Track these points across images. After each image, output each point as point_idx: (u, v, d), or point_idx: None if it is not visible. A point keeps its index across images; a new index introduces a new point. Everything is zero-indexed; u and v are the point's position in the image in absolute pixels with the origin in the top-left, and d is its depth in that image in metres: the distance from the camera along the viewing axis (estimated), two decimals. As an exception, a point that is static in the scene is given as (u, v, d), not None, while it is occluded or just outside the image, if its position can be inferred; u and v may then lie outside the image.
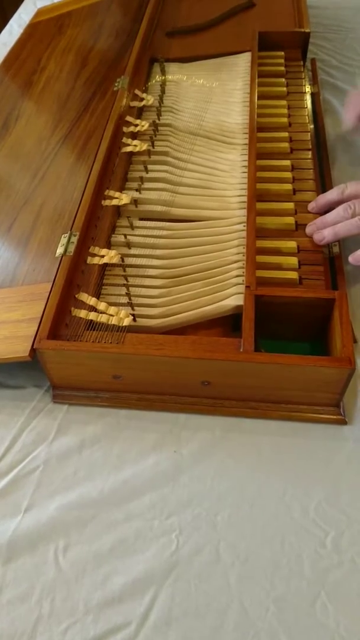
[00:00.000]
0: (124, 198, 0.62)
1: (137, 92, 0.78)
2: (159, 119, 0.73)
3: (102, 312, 0.52)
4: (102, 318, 0.51)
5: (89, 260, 0.57)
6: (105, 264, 0.57)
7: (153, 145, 0.69)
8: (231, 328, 0.54)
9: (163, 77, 0.81)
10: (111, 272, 0.57)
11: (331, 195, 0.59)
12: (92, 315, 0.52)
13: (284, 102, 0.75)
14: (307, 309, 0.51)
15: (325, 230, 0.57)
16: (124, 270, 0.56)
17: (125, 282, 0.55)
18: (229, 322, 0.54)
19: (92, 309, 0.53)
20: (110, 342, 0.49)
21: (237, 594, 0.42)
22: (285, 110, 0.74)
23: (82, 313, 0.52)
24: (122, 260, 0.56)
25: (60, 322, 0.52)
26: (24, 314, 0.52)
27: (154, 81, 0.81)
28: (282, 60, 0.82)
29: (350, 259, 0.56)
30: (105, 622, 0.41)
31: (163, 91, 0.78)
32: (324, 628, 0.40)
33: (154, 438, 0.51)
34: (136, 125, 0.72)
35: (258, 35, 0.83)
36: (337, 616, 0.41)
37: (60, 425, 0.52)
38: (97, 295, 0.55)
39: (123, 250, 0.58)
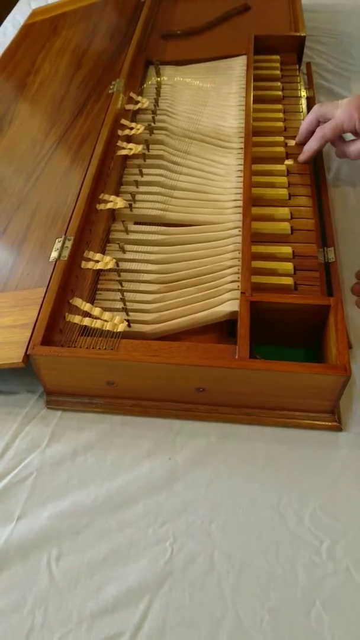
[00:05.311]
0: (118, 202, 0.62)
1: (132, 94, 0.78)
2: (154, 122, 0.72)
3: (96, 318, 0.52)
4: (97, 324, 0.51)
5: (84, 264, 0.57)
6: (100, 269, 0.56)
7: (148, 149, 0.69)
8: (226, 333, 0.54)
9: (158, 80, 0.81)
10: (105, 277, 0.57)
11: (308, 118, 0.67)
12: (86, 321, 0.51)
13: (279, 106, 0.75)
14: (302, 316, 0.51)
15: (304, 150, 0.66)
16: (119, 275, 0.56)
17: (119, 287, 0.54)
18: (224, 327, 0.54)
19: (87, 314, 0.52)
20: (105, 348, 0.49)
21: (231, 603, 0.42)
22: (280, 115, 0.74)
23: (77, 319, 0.52)
24: (117, 265, 0.56)
25: (54, 327, 0.51)
26: (18, 320, 0.51)
27: (149, 84, 0.81)
28: (278, 64, 0.82)
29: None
30: (99, 632, 0.41)
31: (158, 94, 0.78)
32: (319, 638, 0.40)
33: (148, 445, 0.50)
34: (131, 129, 0.71)
35: (254, 39, 0.83)
36: (332, 626, 0.40)
37: (54, 432, 0.52)
38: (92, 300, 0.54)
39: (117, 255, 0.58)
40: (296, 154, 0.68)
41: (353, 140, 0.64)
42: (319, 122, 0.66)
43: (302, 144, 0.68)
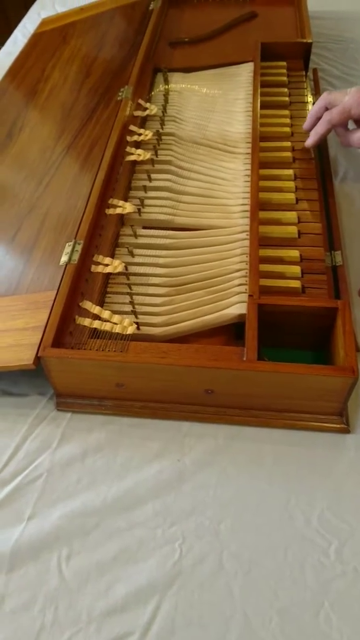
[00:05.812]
0: (127, 207, 0.63)
1: (140, 101, 0.79)
2: (162, 128, 0.73)
3: (106, 321, 0.52)
4: (106, 326, 0.52)
5: (93, 268, 0.57)
6: (109, 272, 0.57)
7: (156, 155, 0.70)
8: (234, 335, 0.54)
9: (166, 87, 0.82)
10: (115, 281, 0.57)
11: (317, 105, 0.67)
12: (96, 324, 0.52)
13: (286, 112, 0.76)
14: (310, 318, 0.52)
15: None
16: (128, 279, 0.57)
17: (129, 291, 0.55)
18: (232, 330, 0.54)
19: (96, 317, 0.53)
20: (114, 351, 0.49)
21: (240, 604, 0.42)
22: (287, 120, 0.75)
23: (86, 321, 0.52)
24: (126, 269, 0.57)
25: (64, 330, 0.52)
26: (28, 322, 0.52)
27: (157, 91, 0.82)
28: (285, 70, 0.83)
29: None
30: (108, 632, 0.41)
31: (166, 101, 0.79)
32: (327, 638, 0.40)
33: (157, 446, 0.51)
34: (140, 135, 0.72)
35: (260, 46, 0.84)
36: (341, 626, 0.41)
37: (64, 433, 0.52)
38: (101, 303, 0.55)
39: (126, 259, 0.59)
40: (303, 159, 0.68)
41: (356, 128, 0.65)
42: (326, 110, 0.67)
43: (309, 130, 0.69)
